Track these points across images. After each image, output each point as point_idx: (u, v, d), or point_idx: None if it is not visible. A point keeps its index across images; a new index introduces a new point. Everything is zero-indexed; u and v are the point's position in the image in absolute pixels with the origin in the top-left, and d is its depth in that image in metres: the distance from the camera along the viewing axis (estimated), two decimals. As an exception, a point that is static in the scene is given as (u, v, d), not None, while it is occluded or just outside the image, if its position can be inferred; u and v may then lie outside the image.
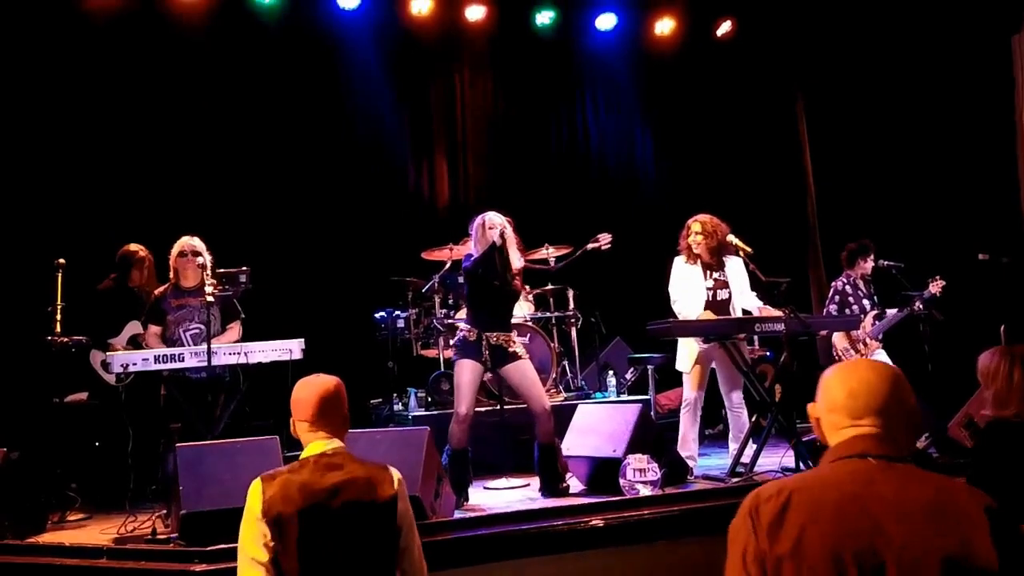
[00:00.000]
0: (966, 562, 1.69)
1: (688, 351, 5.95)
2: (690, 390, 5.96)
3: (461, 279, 7.20)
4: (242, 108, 8.27)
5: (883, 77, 8.77)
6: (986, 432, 3.34)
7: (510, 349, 5.34)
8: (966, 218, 8.43)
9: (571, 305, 7.64)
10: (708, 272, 5.99)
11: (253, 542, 2.67)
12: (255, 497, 2.69)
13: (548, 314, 7.48)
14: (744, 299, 6.01)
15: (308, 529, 2.64)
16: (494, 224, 5.38)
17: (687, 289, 5.95)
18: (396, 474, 2.85)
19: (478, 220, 5.46)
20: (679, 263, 6.05)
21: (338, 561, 2.67)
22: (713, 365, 5.95)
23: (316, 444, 2.82)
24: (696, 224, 5.99)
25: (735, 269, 6.02)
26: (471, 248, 5.51)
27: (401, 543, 2.80)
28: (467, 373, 5.26)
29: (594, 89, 9.65)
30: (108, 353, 5.47)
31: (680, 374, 6.11)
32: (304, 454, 2.83)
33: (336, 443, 2.83)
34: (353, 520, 2.70)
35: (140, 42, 7.77)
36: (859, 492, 1.77)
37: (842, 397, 1.89)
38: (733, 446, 5.85)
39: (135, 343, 6.00)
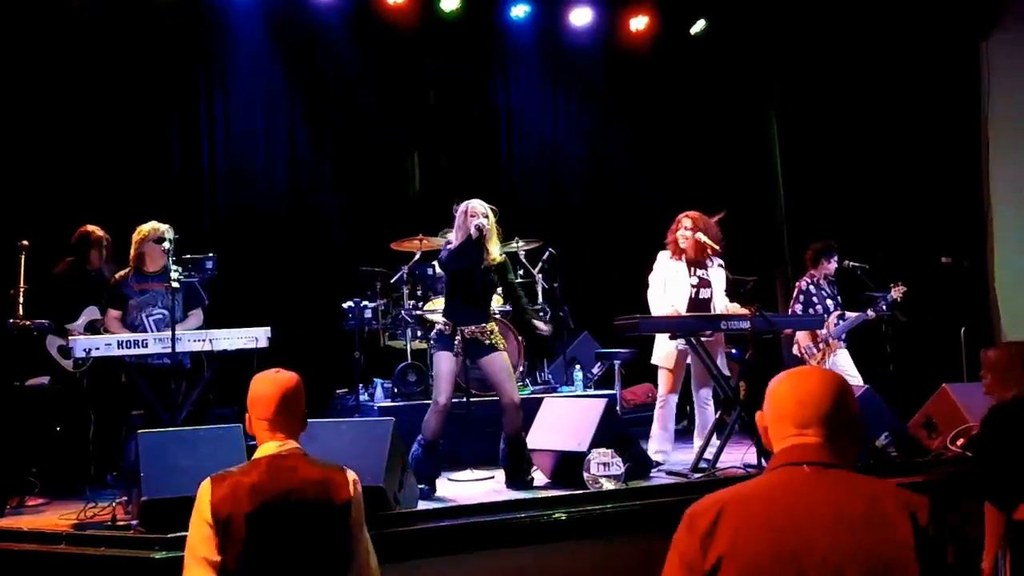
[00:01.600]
0: (888, 571, 1.71)
1: (665, 346, 5.99)
2: (666, 386, 6.00)
3: (431, 271, 7.22)
4: (207, 93, 8.20)
5: (854, 81, 8.84)
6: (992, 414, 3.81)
7: (486, 341, 5.33)
8: (931, 221, 8.54)
9: (540, 299, 7.66)
10: (693, 269, 6.03)
11: (200, 543, 2.60)
12: (204, 498, 2.63)
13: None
14: (719, 301, 6.07)
15: (257, 532, 2.58)
16: (475, 212, 5.33)
17: (671, 285, 5.98)
18: (352, 476, 2.78)
19: (461, 207, 5.42)
20: (664, 258, 6.08)
21: (287, 564, 2.61)
22: (689, 361, 5.99)
23: (270, 445, 2.75)
24: (687, 220, 6.03)
25: (717, 270, 6.07)
26: (452, 235, 5.48)
27: (352, 546, 2.72)
28: (444, 364, 5.26)
29: (568, 84, 9.65)
30: (70, 337, 5.40)
31: (648, 369, 6.14)
32: (257, 454, 2.76)
33: (291, 444, 2.76)
34: (304, 523, 2.64)
35: (112, 23, 7.63)
36: (788, 502, 1.79)
37: (790, 406, 1.91)
38: (698, 441, 5.90)
39: (93, 329, 5.87)
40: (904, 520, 1.75)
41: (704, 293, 6.03)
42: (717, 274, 6.09)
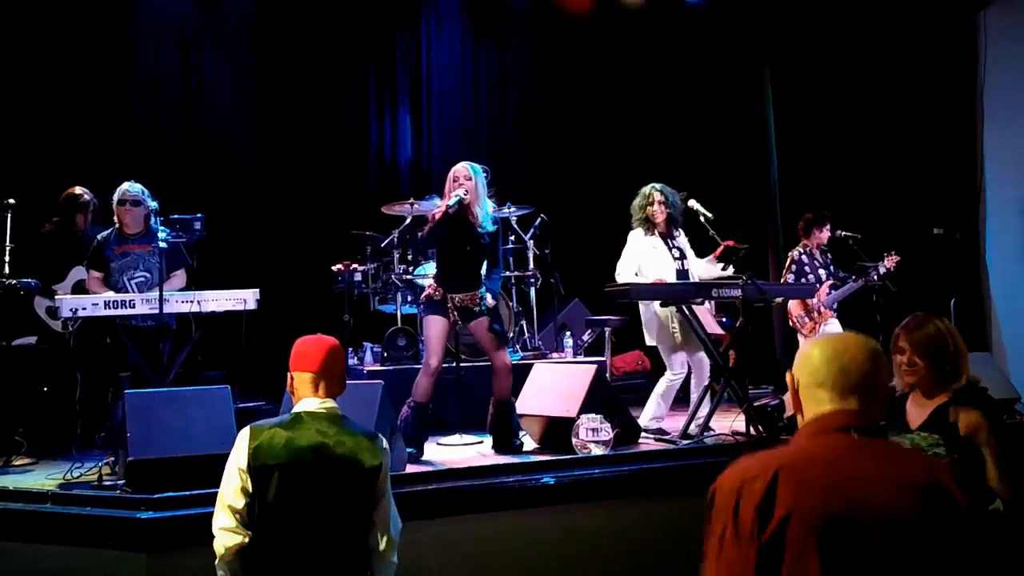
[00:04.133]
0: (944, 538, 1.74)
1: (666, 323, 5.89)
2: (680, 363, 5.94)
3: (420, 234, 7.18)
4: (197, 54, 8.11)
5: (851, 49, 8.78)
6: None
7: (475, 308, 5.28)
8: (924, 192, 8.52)
9: (531, 265, 7.64)
10: (668, 242, 6.00)
11: (233, 489, 2.71)
12: (242, 446, 2.74)
13: (507, 273, 7.46)
14: (694, 268, 6.05)
15: (287, 483, 2.68)
16: (458, 176, 5.25)
17: (654, 261, 5.91)
18: (383, 443, 2.88)
19: (451, 171, 5.32)
20: (640, 236, 5.98)
21: (311, 518, 2.70)
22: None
23: (311, 401, 2.84)
24: (657, 193, 5.98)
25: (684, 238, 6.06)
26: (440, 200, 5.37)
27: (376, 511, 2.83)
28: (434, 327, 5.21)
29: (563, 47, 9.55)
30: (57, 297, 5.36)
31: (638, 336, 6.12)
32: (296, 409, 2.85)
33: (330, 403, 2.86)
34: (332, 481, 2.74)
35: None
36: (845, 466, 1.80)
37: (832, 373, 1.91)
38: (696, 394, 5.90)
39: (81, 289, 5.82)
40: (957, 486, 1.79)
41: (684, 264, 6.01)
42: (684, 242, 6.08)
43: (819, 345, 1.98)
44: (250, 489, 2.69)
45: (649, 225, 5.97)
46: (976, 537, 1.76)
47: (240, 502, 2.69)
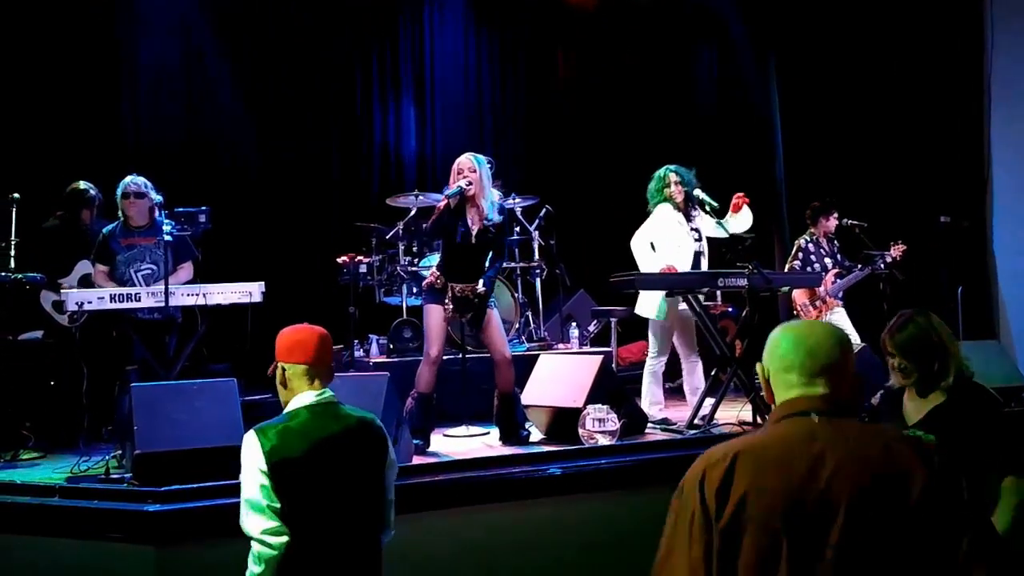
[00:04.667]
0: (909, 511, 1.74)
1: (657, 299, 5.91)
2: (664, 344, 5.95)
3: (426, 226, 7.17)
4: (203, 48, 8.10)
5: (856, 35, 8.74)
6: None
7: (475, 300, 5.26)
8: (931, 180, 8.49)
9: (536, 256, 7.63)
10: (688, 223, 6.00)
11: (262, 491, 2.65)
12: (254, 449, 2.68)
13: (513, 265, 7.45)
14: (708, 228, 6.05)
15: (311, 474, 2.68)
16: (462, 168, 5.23)
17: (674, 237, 5.91)
18: (378, 419, 2.93)
19: (455, 163, 5.30)
20: (668, 209, 5.96)
21: (339, 504, 2.72)
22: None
23: (307, 394, 2.83)
24: (673, 173, 5.98)
25: (702, 218, 6.03)
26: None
27: (388, 484, 2.90)
28: (434, 316, 5.21)
29: (568, 36, 9.52)
30: (62, 291, 5.37)
31: (645, 327, 6.10)
32: (295, 405, 2.82)
33: (327, 392, 2.86)
34: (352, 463, 2.77)
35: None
36: (802, 449, 1.81)
37: (799, 357, 1.92)
38: (692, 399, 5.89)
39: (86, 283, 5.84)
40: (919, 463, 1.78)
41: (701, 246, 6.00)
42: (701, 222, 6.04)
43: (785, 332, 1.99)
44: (279, 488, 2.65)
45: (673, 204, 5.96)
46: (940, 510, 1.75)
47: (276, 501, 2.64)
